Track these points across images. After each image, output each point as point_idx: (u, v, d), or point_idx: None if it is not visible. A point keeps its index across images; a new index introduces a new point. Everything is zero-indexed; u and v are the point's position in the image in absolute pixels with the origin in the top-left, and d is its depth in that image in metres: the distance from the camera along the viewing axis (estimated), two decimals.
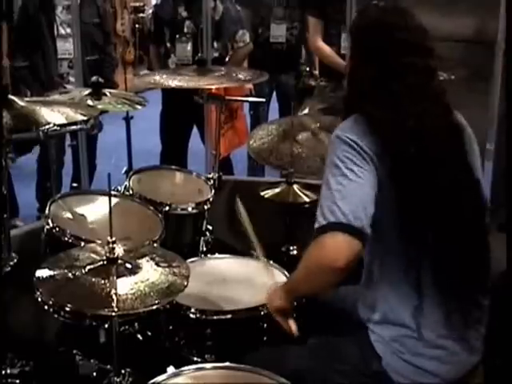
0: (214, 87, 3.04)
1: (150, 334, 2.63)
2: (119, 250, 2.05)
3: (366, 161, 1.94)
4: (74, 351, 2.57)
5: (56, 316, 2.26)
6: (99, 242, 2.20)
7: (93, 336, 2.54)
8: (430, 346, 2.03)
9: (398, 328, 2.04)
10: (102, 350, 2.51)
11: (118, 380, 2.18)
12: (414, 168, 1.97)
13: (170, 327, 2.49)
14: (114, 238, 2.02)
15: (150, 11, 9.23)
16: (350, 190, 1.90)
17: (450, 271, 2.02)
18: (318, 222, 1.91)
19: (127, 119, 3.66)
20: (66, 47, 4.60)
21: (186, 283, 2.08)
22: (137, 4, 9.24)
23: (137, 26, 9.22)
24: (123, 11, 8.68)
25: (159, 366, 2.25)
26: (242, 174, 5.06)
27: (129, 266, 2.05)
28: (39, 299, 2.00)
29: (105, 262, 2.04)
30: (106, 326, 2.30)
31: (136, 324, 2.58)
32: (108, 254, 2.03)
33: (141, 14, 9.28)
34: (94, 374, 2.45)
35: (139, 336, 2.63)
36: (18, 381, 2.41)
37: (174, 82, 2.87)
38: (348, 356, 2.11)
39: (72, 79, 4.56)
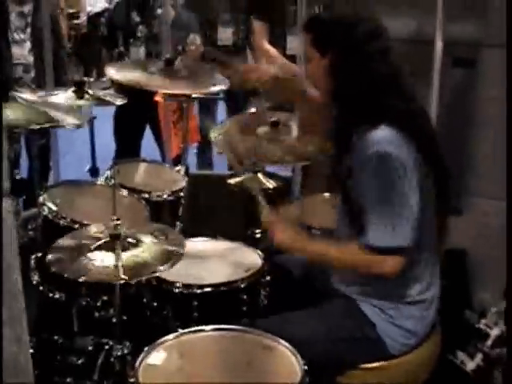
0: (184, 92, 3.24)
1: (135, 312, 2.82)
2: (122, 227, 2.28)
3: (412, 173, 2.16)
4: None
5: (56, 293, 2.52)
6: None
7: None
8: (412, 308, 2.33)
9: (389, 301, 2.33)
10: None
11: (120, 347, 2.39)
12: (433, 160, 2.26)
13: (155, 304, 2.66)
14: (116, 216, 2.25)
15: (85, 18, 9.42)
16: (409, 210, 2.16)
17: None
18: (376, 242, 2.18)
19: (91, 119, 3.83)
20: (21, 52, 4.78)
21: (182, 251, 2.31)
22: (72, 11, 9.36)
23: (72, 32, 9.35)
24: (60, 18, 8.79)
25: (150, 339, 2.47)
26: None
27: (131, 240, 2.28)
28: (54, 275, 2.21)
29: (109, 238, 2.26)
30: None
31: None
32: (112, 231, 2.26)
33: (76, 21, 9.42)
34: (90, 347, 2.66)
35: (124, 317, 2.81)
36: None
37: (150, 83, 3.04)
38: (341, 325, 2.35)
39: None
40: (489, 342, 3.08)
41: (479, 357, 3.07)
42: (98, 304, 2.64)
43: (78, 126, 2.87)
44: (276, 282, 2.72)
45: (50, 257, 2.25)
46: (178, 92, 3.23)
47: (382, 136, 2.16)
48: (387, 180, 2.15)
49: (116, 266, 2.15)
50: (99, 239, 2.29)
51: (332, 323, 2.36)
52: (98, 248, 2.24)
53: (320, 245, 2.41)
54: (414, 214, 2.17)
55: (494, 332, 3.10)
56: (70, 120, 2.69)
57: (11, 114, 2.57)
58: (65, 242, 2.34)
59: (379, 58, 2.21)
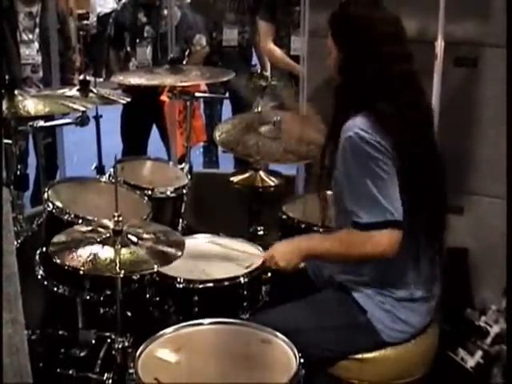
0: (190, 84, 3.32)
1: (137, 307, 2.86)
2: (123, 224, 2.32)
3: (389, 158, 2.22)
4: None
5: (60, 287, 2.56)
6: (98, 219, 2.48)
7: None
8: (406, 299, 2.37)
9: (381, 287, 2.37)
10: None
11: (121, 340, 2.43)
12: (413, 150, 2.27)
13: (157, 299, 2.71)
14: (119, 212, 2.29)
15: (94, 19, 9.47)
16: (388, 188, 2.21)
17: (420, 229, 2.34)
18: (364, 218, 2.22)
19: (97, 117, 3.88)
20: (29, 52, 4.85)
21: (181, 253, 2.35)
22: (81, 11, 9.42)
23: (81, 32, 9.38)
24: (69, 18, 8.83)
25: (152, 333, 2.51)
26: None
27: (132, 237, 2.32)
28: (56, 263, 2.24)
29: (111, 234, 2.30)
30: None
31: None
32: (114, 227, 2.30)
33: (85, 21, 9.46)
34: (93, 340, 2.71)
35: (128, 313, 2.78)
36: None
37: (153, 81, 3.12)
38: (332, 312, 2.40)
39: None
40: (488, 340, 3.11)
41: (479, 354, 3.10)
42: (102, 298, 2.68)
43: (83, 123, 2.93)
44: (276, 279, 2.76)
45: (51, 248, 2.29)
46: (183, 84, 3.30)
47: (356, 122, 2.25)
48: (358, 161, 2.22)
49: (113, 261, 2.19)
50: (101, 234, 2.33)
51: (323, 312, 2.41)
52: (99, 242, 2.28)
53: (317, 243, 2.45)
54: (396, 192, 2.22)
55: (494, 330, 3.12)
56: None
57: (32, 105, 2.66)
58: (67, 235, 2.38)
59: (389, 60, 2.29)
